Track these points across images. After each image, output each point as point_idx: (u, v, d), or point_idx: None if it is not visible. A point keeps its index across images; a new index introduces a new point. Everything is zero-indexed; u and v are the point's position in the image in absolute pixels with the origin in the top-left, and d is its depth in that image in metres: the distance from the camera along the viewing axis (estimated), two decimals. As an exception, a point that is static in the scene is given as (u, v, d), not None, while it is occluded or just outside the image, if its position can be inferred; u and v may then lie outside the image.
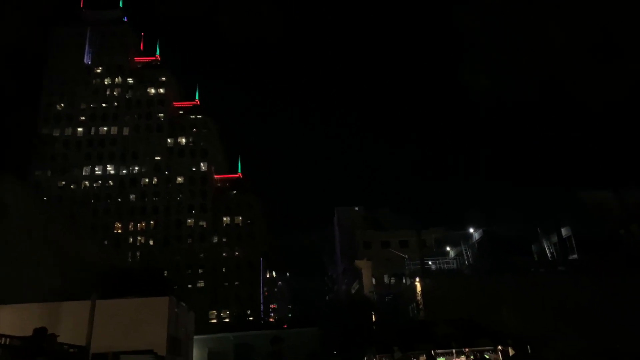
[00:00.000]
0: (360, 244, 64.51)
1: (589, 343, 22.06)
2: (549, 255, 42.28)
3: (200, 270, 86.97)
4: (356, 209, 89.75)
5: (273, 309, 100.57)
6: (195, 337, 25.45)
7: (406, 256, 48.18)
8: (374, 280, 55.29)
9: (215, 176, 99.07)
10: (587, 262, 35.87)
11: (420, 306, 32.74)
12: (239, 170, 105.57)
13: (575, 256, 38.97)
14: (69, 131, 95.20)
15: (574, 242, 39.16)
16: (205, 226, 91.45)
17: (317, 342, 26.41)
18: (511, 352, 15.30)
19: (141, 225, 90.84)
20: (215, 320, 78.35)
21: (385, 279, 54.29)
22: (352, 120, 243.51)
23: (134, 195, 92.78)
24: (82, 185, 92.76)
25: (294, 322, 51.70)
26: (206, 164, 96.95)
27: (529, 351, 13.78)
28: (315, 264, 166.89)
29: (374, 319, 38.18)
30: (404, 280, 45.17)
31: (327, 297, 74.68)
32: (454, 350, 18.91)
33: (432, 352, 11.68)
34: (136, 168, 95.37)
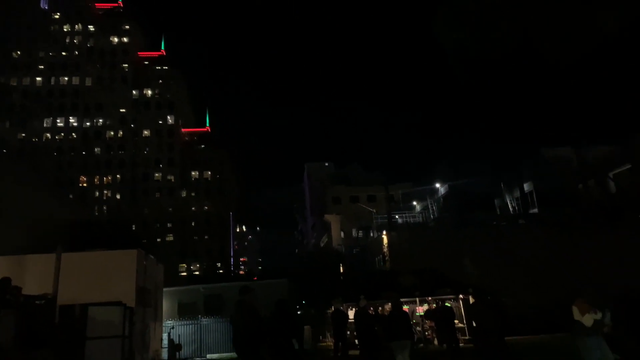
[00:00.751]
0: (329, 199, 65.34)
1: (545, 291, 23.33)
2: (510, 209, 43.85)
3: (169, 225, 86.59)
4: (326, 164, 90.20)
5: (243, 262, 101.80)
6: (165, 289, 25.61)
7: (374, 210, 49.12)
8: (342, 233, 56.43)
9: (183, 130, 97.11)
10: (547, 216, 37.43)
11: (387, 258, 33.76)
12: (207, 124, 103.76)
13: (535, 210, 40.56)
14: (27, 81, 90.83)
15: (535, 196, 40.66)
16: (173, 180, 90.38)
17: (286, 293, 27.02)
18: (471, 300, 16.05)
19: (107, 179, 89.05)
20: (185, 273, 78.91)
21: (354, 233, 55.52)
22: (324, 76, 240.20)
23: (98, 149, 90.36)
24: (44, 138, 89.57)
25: (263, 275, 52.55)
26: (173, 117, 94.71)
27: (488, 299, 14.48)
28: (285, 218, 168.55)
29: (341, 271, 39.25)
30: (371, 234, 46.27)
31: (296, 251, 75.96)
32: (417, 299, 19.76)
33: (397, 300, 12.16)
34: (100, 120, 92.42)
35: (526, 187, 41.92)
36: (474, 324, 12.95)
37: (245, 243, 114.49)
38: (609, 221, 36.94)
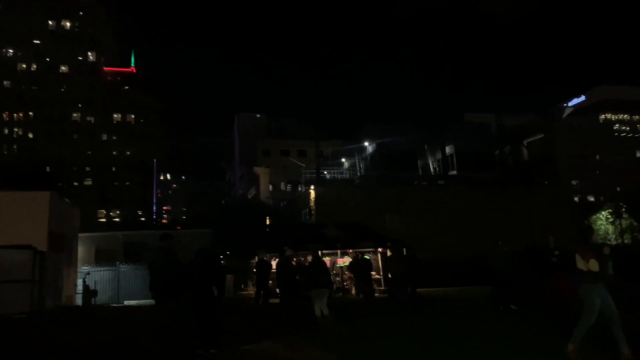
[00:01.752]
0: (259, 151, 64.79)
1: (463, 245, 24.97)
2: (432, 170, 45.91)
3: (87, 168, 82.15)
4: (258, 116, 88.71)
5: (166, 210, 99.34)
6: (81, 234, 24.57)
7: (303, 165, 49.47)
8: (270, 186, 56.48)
9: (106, 68, 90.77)
10: (465, 178, 39.66)
11: (313, 212, 34.40)
12: (132, 65, 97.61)
13: (455, 172, 42.75)
14: None
15: (455, 159, 42.73)
16: (93, 122, 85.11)
17: (211, 243, 26.88)
18: (389, 253, 16.85)
19: (18, 115, 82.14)
20: (104, 219, 75.92)
21: (282, 186, 55.74)
22: (261, 24, 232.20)
23: (8, 82, 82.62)
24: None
25: (188, 224, 51.75)
26: (95, 53, 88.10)
27: (404, 252, 15.28)
28: (212, 168, 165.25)
29: (268, 223, 39.55)
30: (299, 188, 46.73)
31: (223, 201, 75.19)
32: (338, 251, 20.44)
33: (319, 252, 12.49)
34: (10, 51, 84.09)
35: (448, 149, 43.89)
36: (390, 275, 13.67)
37: (170, 191, 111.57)
38: (521, 184, 39.84)
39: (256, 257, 19.90)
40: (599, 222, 48.50)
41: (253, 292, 20.04)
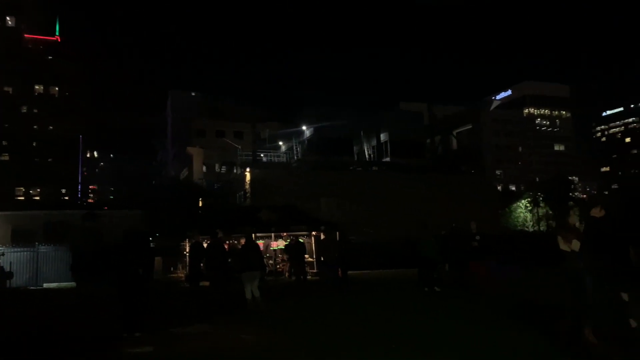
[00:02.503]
0: (194, 131, 63.01)
1: (395, 228, 25.74)
2: (367, 156, 46.84)
3: (4, 142, 76.24)
4: (193, 94, 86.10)
5: (93, 190, 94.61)
6: (-5, 213, 22.90)
7: (239, 147, 48.75)
8: (204, 167, 55.26)
9: (26, 35, 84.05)
10: (397, 164, 40.87)
11: (248, 194, 34.09)
12: (57, 33, 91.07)
13: (388, 159, 43.89)
14: None
15: (389, 146, 43.84)
16: (11, 92, 78.85)
17: (140, 224, 25.94)
18: (322, 236, 17.07)
19: None
20: (22, 198, 71.03)
21: (217, 168, 54.69)
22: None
23: None
24: None
25: (116, 204, 49.56)
26: (14, 19, 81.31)
27: (337, 235, 15.58)
28: (143, 147, 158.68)
29: (200, 204, 38.73)
30: (235, 170, 46.08)
31: (154, 182, 72.61)
32: (272, 234, 20.45)
33: (253, 235, 12.44)
34: None
35: (383, 136, 44.92)
36: (322, 259, 13.89)
37: (97, 170, 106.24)
38: (449, 172, 41.61)
39: (187, 239, 19.48)
40: (519, 210, 51.76)
41: (183, 275, 19.65)
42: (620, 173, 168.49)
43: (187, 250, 18.16)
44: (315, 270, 18.38)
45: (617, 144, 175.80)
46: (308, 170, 36.50)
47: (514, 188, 77.74)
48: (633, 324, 5.72)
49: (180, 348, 7.13)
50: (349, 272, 16.88)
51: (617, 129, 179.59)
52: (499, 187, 67.89)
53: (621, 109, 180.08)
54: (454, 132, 59.22)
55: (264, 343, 7.28)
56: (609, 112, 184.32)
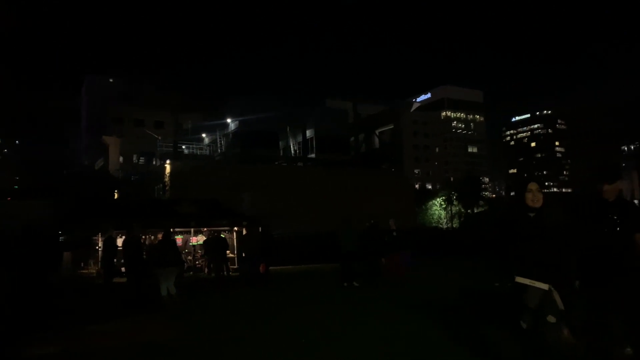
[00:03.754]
0: (111, 119, 59.79)
1: (319, 223, 25.98)
2: (293, 151, 46.97)
3: None
4: (111, 80, 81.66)
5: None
6: None
7: (159, 137, 46.96)
8: (121, 158, 52.66)
9: None
10: (322, 161, 41.40)
11: (167, 187, 32.94)
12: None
13: (313, 154, 44.30)
14: None
15: (315, 142, 44.27)
16: None
17: (49, 216, 24.19)
18: (244, 231, 16.93)
19: None
20: None
21: (134, 158, 52.29)
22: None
23: None
24: None
25: (21, 194, 45.86)
26: None
27: (260, 230, 15.51)
28: (54, 133, 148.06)
29: (116, 197, 36.90)
30: (154, 161, 44.33)
31: (65, 171, 67.98)
32: (192, 229, 19.93)
33: (171, 229, 12.06)
34: None
35: (308, 132, 45.26)
36: (243, 254, 13.78)
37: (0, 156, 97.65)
38: (371, 170, 42.83)
39: (100, 233, 18.50)
40: (434, 208, 54.44)
41: (95, 271, 18.66)
42: (525, 175, 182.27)
43: (100, 244, 17.28)
44: (235, 266, 18.16)
45: (524, 148, 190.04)
46: (232, 164, 35.97)
47: (430, 186, 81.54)
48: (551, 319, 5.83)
49: (89, 347, 6.80)
50: (271, 267, 16.88)
51: (524, 134, 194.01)
52: (417, 185, 70.94)
53: (528, 115, 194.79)
54: (377, 131, 60.97)
55: (177, 341, 7.11)
56: (517, 118, 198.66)
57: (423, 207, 53.06)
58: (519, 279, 4.07)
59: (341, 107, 59.18)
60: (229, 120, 45.58)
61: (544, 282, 3.97)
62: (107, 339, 7.30)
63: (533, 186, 4.20)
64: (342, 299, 11.01)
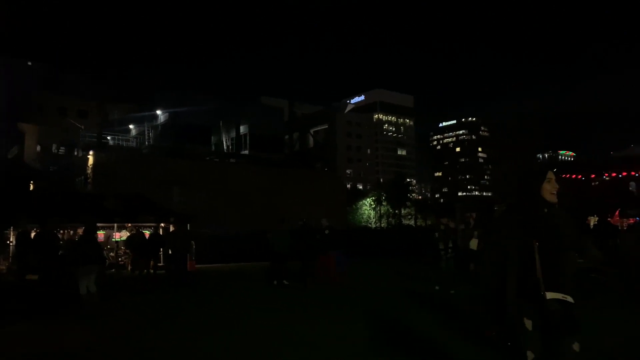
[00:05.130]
0: (29, 106, 55.63)
1: (251, 221, 25.67)
2: (225, 147, 46.15)
3: None
4: (30, 64, 76.00)
5: None
6: None
7: (82, 127, 44.42)
8: (39, 147, 49.23)
9: None
10: (256, 158, 41.01)
11: (90, 180, 31.22)
12: None
13: (247, 152, 43.80)
14: None
15: (248, 139, 43.79)
16: None
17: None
18: (172, 228, 16.39)
19: None
20: None
21: (54, 148, 49.05)
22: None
23: None
24: None
25: None
26: None
27: (188, 228, 15.11)
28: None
29: (32, 188, 34.44)
30: (76, 152, 41.84)
31: (-27, 159, 62.40)
32: (115, 225, 19.00)
33: (92, 225, 11.41)
34: None
35: (242, 129, 44.68)
36: (170, 252, 13.33)
37: None
38: (305, 169, 43.02)
39: (12, 226, 17.19)
40: (364, 208, 55.67)
41: (5, 267, 17.30)
42: (450, 178, 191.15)
43: (13, 239, 16.06)
44: (162, 264, 17.55)
45: (449, 152, 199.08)
46: (161, 158, 34.66)
47: (361, 187, 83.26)
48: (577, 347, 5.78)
49: (-7, 353, 6.26)
50: (200, 265, 16.50)
51: (450, 139, 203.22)
52: (348, 186, 72.18)
53: (454, 121, 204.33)
54: (312, 131, 61.39)
55: (93, 344, 6.72)
56: (444, 123, 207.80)
57: (354, 206, 54.09)
58: (551, 294, 3.05)
59: (276, 105, 58.99)
60: (158, 112, 43.99)
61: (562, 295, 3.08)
62: (11, 343, 6.76)
63: (552, 175, 3.33)
64: (271, 299, 10.96)
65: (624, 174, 21.77)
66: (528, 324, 3.12)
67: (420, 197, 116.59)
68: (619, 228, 18.79)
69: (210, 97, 43.26)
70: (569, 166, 44.96)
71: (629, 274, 9.13)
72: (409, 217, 61.68)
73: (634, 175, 21.69)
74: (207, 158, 39.41)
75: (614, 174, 22.09)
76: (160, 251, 16.73)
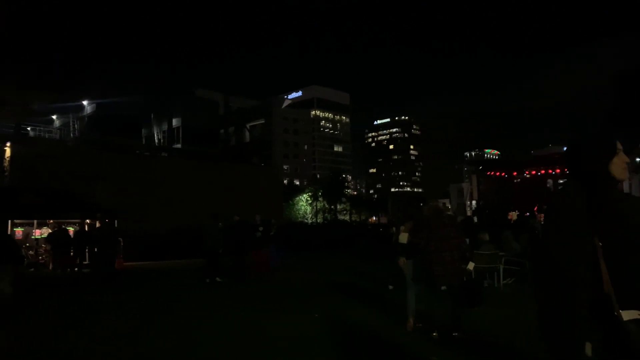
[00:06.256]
0: None
1: (183, 218, 24.88)
2: (156, 140, 44.56)
3: None
4: None
5: None
6: None
7: (-1, 116, 41.18)
8: (-54, 137, 45.13)
9: None
10: (189, 152, 39.90)
11: (7, 173, 29.02)
12: None
13: (179, 145, 42.53)
14: None
15: (181, 132, 42.55)
16: None
17: None
18: (98, 224, 15.59)
19: None
20: None
21: (-35, 138, 45.18)
22: None
23: None
24: None
25: None
26: None
27: (116, 224, 14.42)
28: None
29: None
30: (-10, 143, 38.75)
31: None
32: (35, 221, 17.81)
33: (9, 221, 10.61)
34: None
35: (175, 122, 43.33)
36: (96, 249, 12.70)
37: None
38: (241, 164, 42.44)
39: None
40: (301, 203, 55.88)
41: None
42: (383, 175, 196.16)
43: None
44: (86, 262, 16.66)
45: (383, 149, 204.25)
46: (87, 150, 32.80)
47: (297, 183, 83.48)
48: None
49: None
50: (128, 263, 15.86)
51: (384, 137, 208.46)
52: (285, 181, 72.16)
53: (388, 119, 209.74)
54: (248, 125, 60.71)
55: (6, 350, 6.26)
56: (379, 121, 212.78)
57: (290, 202, 54.13)
58: (629, 313, 2.09)
59: (212, 98, 57.67)
60: (85, 103, 41.69)
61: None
62: None
63: (621, 146, 2.34)
64: (202, 296, 10.72)
65: (542, 171, 23.28)
66: (588, 348, 2.19)
67: (355, 192, 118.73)
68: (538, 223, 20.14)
69: (141, 88, 41.62)
70: (494, 164, 47.51)
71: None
72: (344, 212, 62.65)
73: (552, 173, 23.26)
74: (137, 151, 37.81)
75: (533, 172, 23.55)
76: (85, 249, 15.90)
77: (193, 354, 5.82)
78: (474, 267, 10.11)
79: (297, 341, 6.17)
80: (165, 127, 43.72)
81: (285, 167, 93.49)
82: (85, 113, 40.88)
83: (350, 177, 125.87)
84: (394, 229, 17.83)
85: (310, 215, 55.62)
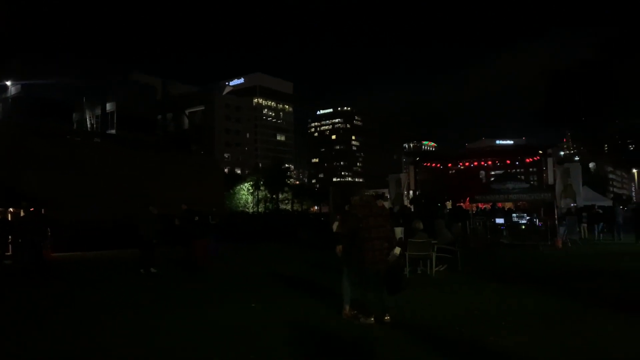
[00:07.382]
0: None
1: (113, 205, 23.87)
2: (89, 126, 42.45)
3: None
4: None
5: None
6: None
7: None
8: None
9: None
10: (124, 138, 38.28)
11: None
12: None
13: (114, 131, 40.74)
14: None
15: (115, 117, 40.75)
16: None
17: None
18: (22, 213, 14.69)
19: None
20: None
21: None
22: None
23: None
24: None
25: None
26: None
27: (43, 211, 13.59)
28: None
29: None
30: None
31: None
32: (-49, 210, 16.51)
33: None
34: None
35: (109, 106, 41.40)
36: (20, 240, 11.98)
37: None
38: (179, 151, 41.33)
39: None
40: (242, 193, 55.26)
41: None
42: (325, 164, 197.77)
43: None
44: (10, 253, 15.68)
45: (326, 139, 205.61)
46: (11, 135, 30.66)
47: (239, 171, 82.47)
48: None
49: None
50: (57, 254, 15.13)
51: (326, 127, 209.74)
52: (226, 170, 71.06)
53: (331, 110, 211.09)
54: (187, 112, 59.17)
55: None
56: (322, 111, 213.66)
57: (231, 191, 53.40)
58: None
59: (149, 82, 55.53)
60: (8, 83, 38.92)
61: None
62: None
63: None
64: (135, 289, 10.39)
65: (475, 163, 24.33)
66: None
67: (297, 182, 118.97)
68: (469, 212, 21.10)
69: (74, 70, 39.39)
70: (431, 155, 49.14)
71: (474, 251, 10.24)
72: (286, 201, 62.66)
73: (484, 165, 24.35)
74: (68, 137, 35.80)
75: (467, 164, 24.56)
76: (8, 239, 14.96)
77: (123, 347, 5.63)
78: (408, 255, 10.51)
79: (234, 331, 6.13)
80: (98, 111, 41.66)
81: (226, 155, 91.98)
82: (9, 94, 38.16)
83: (292, 167, 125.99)
84: (338, 217, 18.15)
85: (252, 205, 55.15)
